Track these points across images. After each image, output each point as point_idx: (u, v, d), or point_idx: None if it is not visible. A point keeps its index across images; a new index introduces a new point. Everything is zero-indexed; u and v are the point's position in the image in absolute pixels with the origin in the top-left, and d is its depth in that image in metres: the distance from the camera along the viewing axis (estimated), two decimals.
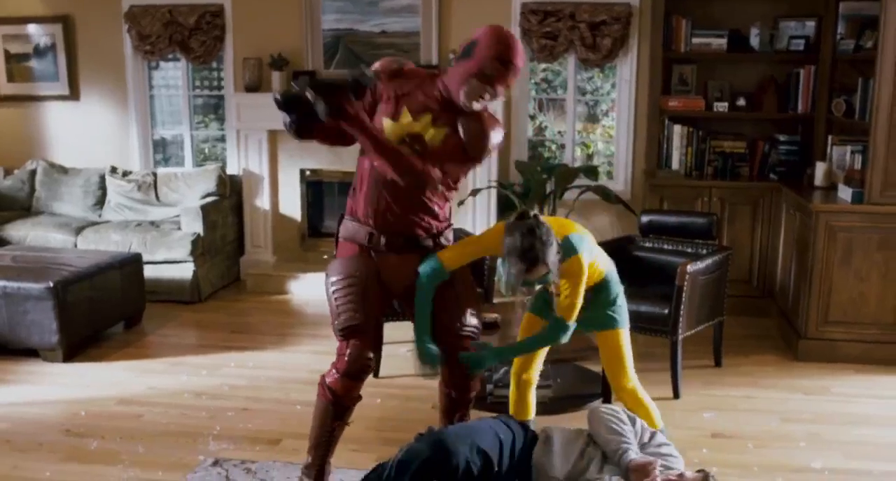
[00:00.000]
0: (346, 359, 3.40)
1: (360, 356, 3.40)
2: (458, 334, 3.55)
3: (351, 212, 3.61)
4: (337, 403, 3.46)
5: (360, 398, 3.53)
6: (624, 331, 3.72)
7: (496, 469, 3.15)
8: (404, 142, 3.39)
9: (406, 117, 3.41)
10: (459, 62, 3.33)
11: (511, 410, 3.92)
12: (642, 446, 3.29)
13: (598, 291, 3.67)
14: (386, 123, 3.42)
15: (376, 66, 3.48)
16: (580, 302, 3.48)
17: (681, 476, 3.13)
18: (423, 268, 3.50)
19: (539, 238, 3.29)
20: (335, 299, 3.48)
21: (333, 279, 3.52)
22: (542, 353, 3.86)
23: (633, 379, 3.73)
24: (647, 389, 3.78)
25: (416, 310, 3.54)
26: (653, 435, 3.36)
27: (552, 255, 3.33)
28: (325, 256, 7.01)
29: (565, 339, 3.55)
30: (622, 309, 3.73)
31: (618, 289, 3.73)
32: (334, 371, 3.44)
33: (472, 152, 3.43)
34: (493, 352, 3.63)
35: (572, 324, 3.50)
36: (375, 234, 3.53)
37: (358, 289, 3.46)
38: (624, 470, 3.14)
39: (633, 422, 3.35)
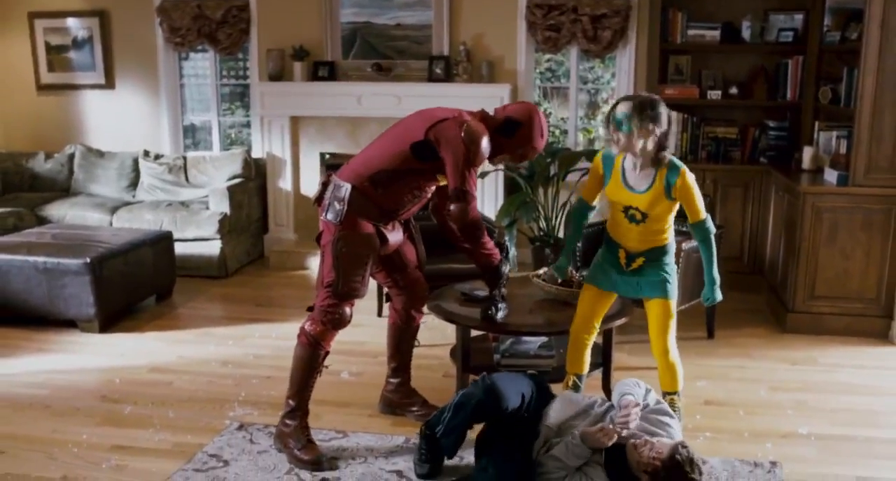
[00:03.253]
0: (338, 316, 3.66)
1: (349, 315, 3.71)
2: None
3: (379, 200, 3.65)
4: (323, 349, 3.69)
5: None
6: (674, 302, 3.78)
7: (524, 413, 3.31)
8: None
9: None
10: (499, 136, 3.58)
11: (567, 366, 3.97)
12: (644, 407, 3.35)
13: (659, 256, 3.74)
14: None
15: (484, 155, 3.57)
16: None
17: (650, 442, 3.13)
18: (576, 205, 4.01)
19: (654, 106, 3.53)
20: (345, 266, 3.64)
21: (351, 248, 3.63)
22: (600, 320, 3.90)
23: (672, 344, 3.81)
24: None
25: (569, 235, 4.12)
26: (658, 403, 3.45)
27: (661, 123, 3.54)
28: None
29: (713, 229, 3.75)
30: (674, 280, 3.79)
31: (673, 259, 3.80)
32: (319, 323, 3.67)
33: None
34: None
35: (707, 216, 3.70)
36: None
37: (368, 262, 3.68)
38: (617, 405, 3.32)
39: (647, 392, 3.43)
